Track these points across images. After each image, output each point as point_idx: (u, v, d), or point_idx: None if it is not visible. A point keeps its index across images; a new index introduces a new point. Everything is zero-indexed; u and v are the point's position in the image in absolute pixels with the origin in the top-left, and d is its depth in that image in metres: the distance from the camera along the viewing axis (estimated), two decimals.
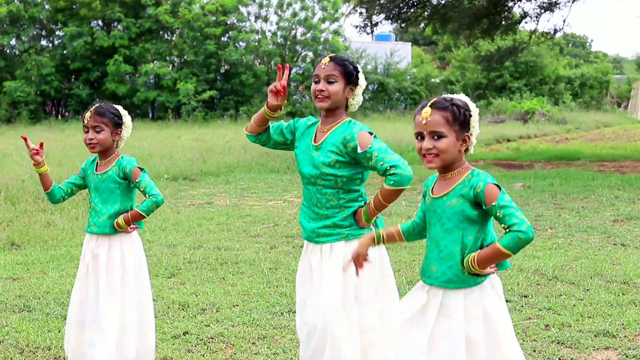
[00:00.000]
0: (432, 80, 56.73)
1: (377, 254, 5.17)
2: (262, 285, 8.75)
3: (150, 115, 48.71)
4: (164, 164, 20.62)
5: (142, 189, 5.77)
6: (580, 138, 34.51)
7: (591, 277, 8.88)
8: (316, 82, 5.20)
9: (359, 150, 5.03)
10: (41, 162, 5.87)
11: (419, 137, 4.19)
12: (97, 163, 5.94)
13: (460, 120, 4.13)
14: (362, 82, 5.27)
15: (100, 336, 5.74)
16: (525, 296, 8.11)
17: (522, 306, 7.76)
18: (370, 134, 5.10)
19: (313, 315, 5.24)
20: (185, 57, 47.95)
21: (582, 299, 8.02)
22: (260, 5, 49.45)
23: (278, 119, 5.46)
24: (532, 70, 56.65)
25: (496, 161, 24.16)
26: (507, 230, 4.01)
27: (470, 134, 4.18)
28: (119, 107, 5.93)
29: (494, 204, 4.04)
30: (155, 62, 47.37)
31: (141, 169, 5.82)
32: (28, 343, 6.89)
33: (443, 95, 4.21)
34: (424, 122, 4.12)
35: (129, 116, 6.00)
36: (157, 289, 8.60)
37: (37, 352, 6.67)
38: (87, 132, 5.79)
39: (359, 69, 5.27)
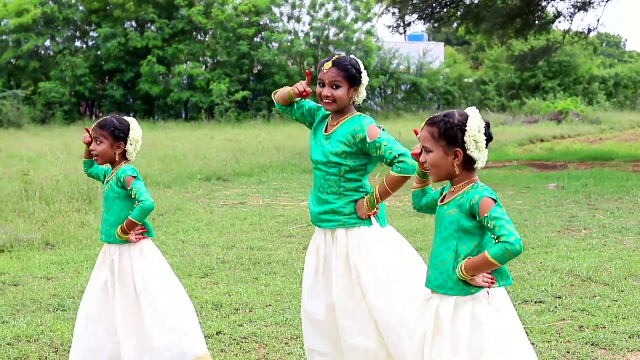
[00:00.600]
0: (465, 80, 56.54)
1: (392, 238, 5.33)
2: (294, 285, 8.75)
3: (183, 116, 48.88)
4: (197, 164, 20.68)
5: (133, 196, 5.77)
6: (614, 138, 34.25)
7: (625, 278, 8.81)
8: (321, 86, 5.32)
9: (368, 140, 5.16)
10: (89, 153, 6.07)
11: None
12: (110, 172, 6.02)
13: (447, 136, 4.22)
14: (365, 79, 5.36)
15: (117, 348, 5.78)
16: (559, 297, 8.07)
17: (556, 307, 7.72)
18: (379, 127, 5.23)
19: (316, 307, 5.41)
20: (218, 57, 48.09)
21: (616, 300, 7.97)
22: (293, 6, 49.50)
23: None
24: (565, 70, 56.33)
25: (530, 161, 24.03)
26: (497, 240, 4.05)
27: (467, 149, 4.21)
28: (131, 121, 5.96)
29: (486, 215, 4.09)
30: (188, 62, 47.54)
31: (134, 177, 5.82)
32: (62, 342, 6.94)
33: (446, 111, 4.32)
34: (418, 137, 4.35)
35: (139, 130, 6.00)
36: (190, 288, 8.63)
37: None
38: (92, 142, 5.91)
39: (361, 67, 5.35)
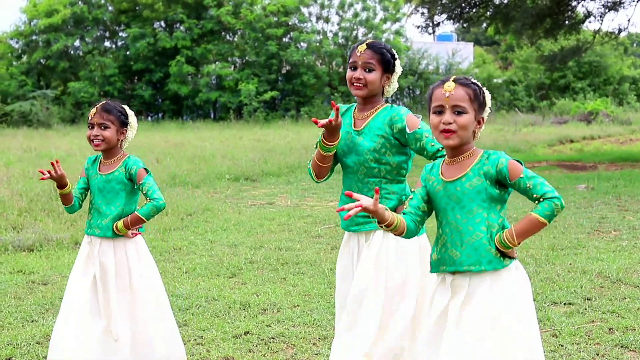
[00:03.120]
0: (495, 80, 56.37)
1: (416, 245, 5.03)
2: (323, 285, 8.74)
3: (212, 116, 49.07)
4: (226, 164, 20.73)
5: (144, 192, 5.61)
6: None
7: None
8: (353, 69, 5.07)
9: (408, 131, 4.91)
10: (65, 182, 5.71)
11: (437, 112, 4.10)
12: (100, 162, 5.78)
13: (480, 101, 4.09)
14: (398, 69, 5.15)
15: (113, 345, 5.66)
16: (589, 299, 8.02)
17: (586, 309, 7.67)
18: (418, 117, 4.99)
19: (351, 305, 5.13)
20: (246, 57, 48.21)
21: None
22: (322, 6, 49.54)
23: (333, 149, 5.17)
24: (595, 70, 56.07)
25: (559, 162, 23.93)
26: (540, 199, 3.95)
27: (484, 118, 4.14)
28: (126, 107, 5.83)
29: (521, 176, 3.98)
30: (217, 62, 47.72)
31: (147, 171, 5.67)
32: None
33: (462, 76, 4.17)
34: (447, 95, 4.05)
35: (135, 117, 5.87)
36: (218, 288, 8.64)
37: None
38: (92, 128, 5.65)
39: (396, 55, 5.15)
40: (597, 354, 6.39)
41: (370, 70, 5.03)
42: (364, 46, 5.06)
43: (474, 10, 28.50)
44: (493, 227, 4.07)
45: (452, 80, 4.11)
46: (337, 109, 4.88)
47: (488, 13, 28.80)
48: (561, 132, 35.12)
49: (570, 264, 9.55)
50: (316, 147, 5.22)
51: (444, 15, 28.83)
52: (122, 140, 5.75)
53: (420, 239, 5.06)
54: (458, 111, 4.04)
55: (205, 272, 9.53)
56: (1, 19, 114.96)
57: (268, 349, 6.69)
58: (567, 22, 28.49)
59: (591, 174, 19.69)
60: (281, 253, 10.55)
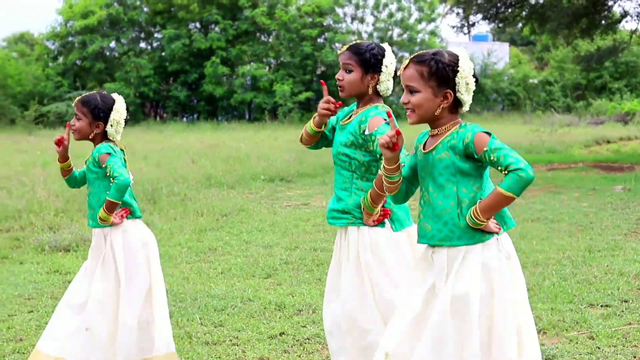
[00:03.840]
0: (530, 80, 56.14)
1: (405, 243, 5.08)
2: None
3: (247, 117, 49.20)
4: (261, 165, 20.75)
5: (108, 174, 5.54)
6: None
7: None
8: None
9: (367, 132, 4.98)
10: (67, 155, 5.85)
11: (402, 90, 4.12)
12: None
13: (439, 76, 4.01)
14: (389, 67, 5.11)
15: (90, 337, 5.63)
16: (626, 301, 7.96)
17: (623, 311, 7.61)
18: (385, 120, 4.96)
19: (334, 308, 5.26)
20: (281, 58, 48.28)
21: None
22: (357, 6, 49.57)
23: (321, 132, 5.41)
24: (632, 70, 55.65)
25: (596, 163, 23.76)
26: (505, 172, 3.88)
27: (458, 91, 4.06)
28: (117, 99, 5.73)
29: (485, 149, 3.92)
30: (252, 63, 47.80)
31: (108, 154, 5.58)
32: None
33: (433, 49, 4.13)
34: (399, 74, 4.09)
35: (123, 112, 5.72)
36: (253, 289, 8.66)
37: None
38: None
39: (383, 54, 5.12)
40: (635, 357, 6.34)
41: (349, 72, 5.13)
42: (344, 48, 5.18)
43: (510, 10, 28.38)
44: (463, 202, 4.02)
45: (410, 59, 4.09)
46: (324, 85, 5.37)
47: (524, 13, 28.66)
48: (598, 132, 34.89)
49: (607, 265, 9.48)
50: (309, 126, 5.43)
51: (480, 16, 28.73)
52: (97, 133, 5.70)
53: (393, 234, 5.11)
54: (411, 91, 4.05)
55: (241, 272, 9.55)
56: (37, 21, 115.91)
57: (303, 349, 6.69)
58: (603, 21, 28.30)
59: (628, 175, 19.53)
60: (316, 254, 10.54)
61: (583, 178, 19.29)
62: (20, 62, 50.12)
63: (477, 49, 54.62)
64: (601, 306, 7.78)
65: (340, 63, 5.16)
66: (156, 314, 5.73)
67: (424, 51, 4.10)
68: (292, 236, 11.96)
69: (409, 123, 4.14)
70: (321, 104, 5.18)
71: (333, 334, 5.31)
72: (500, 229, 4.08)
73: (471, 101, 4.14)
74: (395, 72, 5.17)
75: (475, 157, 3.97)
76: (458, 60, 4.06)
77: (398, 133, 4.05)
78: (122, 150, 5.77)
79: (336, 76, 5.18)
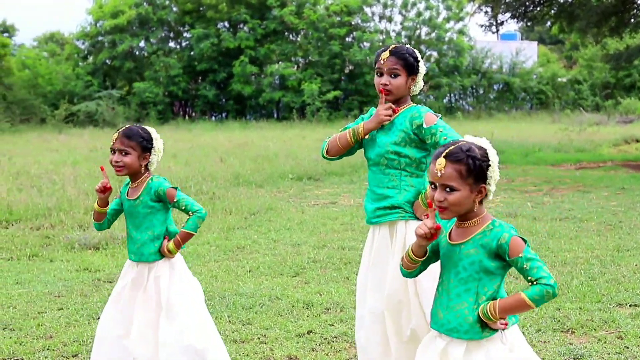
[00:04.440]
0: (559, 79, 55.87)
1: None
2: None
3: (275, 116, 49.23)
4: (289, 164, 20.79)
5: (182, 208, 5.54)
6: None
7: None
8: (379, 75, 5.28)
9: (425, 126, 5.09)
10: (107, 201, 5.76)
11: (432, 186, 4.04)
12: (129, 187, 5.76)
13: (476, 173, 3.96)
14: (423, 68, 5.32)
15: None
16: None
17: None
18: (437, 115, 5.15)
19: (377, 302, 5.27)
20: (309, 57, 48.30)
21: None
22: (385, 5, 49.53)
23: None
24: None
25: (625, 162, 23.64)
26: (534, 282, 3.86)
27: (488, 184, 4.01)
28: (152, 130, 5.69)
29: (520, 255, 3.88)
30: (280, 62, 47.87)
31: (175, 188, 5.59)
32: None
33: (461, 144, 4.01)
34: (438, 174, 3.96)
35: (161, 140, 5.73)
36: (281, 287, 8.68)
37: None
38: (114, 154, 5.62)
39: (418, 56, 5.32)
40: None
41: (395, 76, 5.23)
42: (387, 53, 5.26)
43: (538, 8, 28.26)
44: (481, 298, 4.00)
45: (444, 156, 3.99)
46: (383, 92, 5.27)
47: (552, 11, 28.53)
48: (627, 131, 34.68)
49: (636, 265, 9.44)
50: (353, 135, 5.41)
51: (508, 14, 28.62)
52: (145, 165, 5.65)
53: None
54: (449, 189, 3.97)
55: (269, 271, 9.58)
56: (68, 21, 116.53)
57: (331, 348, 6.70)
58: (632, 20, 28.12)
59: None
60: (344, 252, 10.55)
61: (612, 177, 19.19)
62: (51, 62, 50.44)
63: (505, 48, 54.46)
64: (630, 305, 7.75)
65: (384, 68, 5.23)
66: (209, 343, 5.66)
67: (452, 147, 4.01)
68: (320, 235, 11.97)
69: (442, 218, 4.09)
70: (384, 111, 5.25)
71: (375, 326, 5.34)
72: (506, 326, 4.05)
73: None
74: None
75: (507, 259, 3.95)
76: (487, 153, 4.03)
77: (438, 228, 4.03)
78: None
79: (381, 81, 5.24)
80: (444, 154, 3.97)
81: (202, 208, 5.59)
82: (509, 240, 3.91)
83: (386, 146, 5.25)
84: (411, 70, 5.25)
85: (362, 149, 5.50)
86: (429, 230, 3.99)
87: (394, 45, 5.32)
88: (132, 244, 5.63)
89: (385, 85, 5.22)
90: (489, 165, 4.00)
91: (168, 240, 5.63)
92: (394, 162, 5.23)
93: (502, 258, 3.97)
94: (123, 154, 5.57)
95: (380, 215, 5.31)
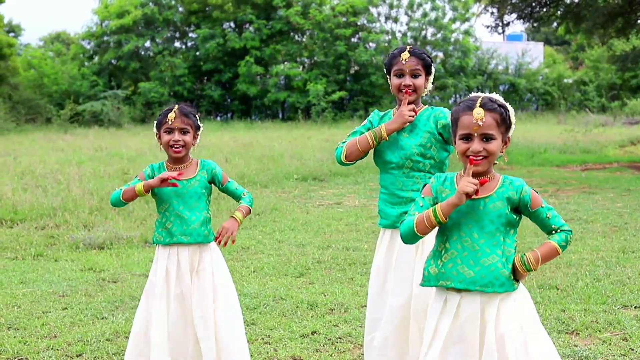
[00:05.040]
0: (565, 80, 55.84)
1: None
2: None
3: (280, 116, 49.27)
4: (294, 164, 20.79)
5: (234, 188, 5.69)
6: None
7: None
8: (399, 77, 5.29)
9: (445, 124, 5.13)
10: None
11: (465, 139, 4.07)
12: (167, 169, 5.61)
13: (507, 123, 4.08)
14: (433, 70, 5.40)
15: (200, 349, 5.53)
16: None
17: None
18: None
19: (400, 302, 5.25)
20: (315, 58, 48.30)
21: None
22: (391, 6, 49.53)
23: None
24: None
25: (630, 163, 23.62)
26: (557, 230, 4.07)
27: (509, 137, 4.14)
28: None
29: (542, 206, 4.07)
30: (285, 63, 47.88)
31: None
32: None
33: (486, 95, 4.09)
34: (479, 123, 3.99)
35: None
36: (286, 288, 8.68)
37: None
38: (170, 133, 5.51)
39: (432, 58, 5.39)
40: None
41: (416, 76, 5.28)
42: (407, 54, 5.28)
43: (544, 9, 28.26)
44: (508, 251, 4.09)
45: (480, 106, 4.05)
46: (408, 93, 5.26)
47: (558, 12, 28.54)
48: (633, 133, 34.68)
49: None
50: (375, 137, 5.34)
51: (514, 15, 28.62)
52: (194, 145, 5.65)
53: None
54: (486, 138, 4.04)
55: (273, 271, 9.58)
56: (73, 21, 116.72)
57: (335, 349, 6.70)
58: (639, 21, 28.11)
59: None
60: (349, 253, 10.56)
61: (617, 178, 19.17)
62: (57, 62, 50.51)
63: (511, 49, 54.43)
64: (635, 307, 7.74)
65: (406, 69, 5.24)
66: (241, 325, 5.75)
67: (482, 98, 4.07)
68: (324, 235, 11.97)
69: (474, 170, 4.06)
70: (407, 112, 5.24)
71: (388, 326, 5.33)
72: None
73: None
74: None
75: (528, 210, 4.09)
76: (505, 104, 4.12)
77: (483, 182, 4.09)
78: None
79: (404, 82, 5.25)
80: (478, 104, 4.04)
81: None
82: (529, 192, 4.07)
83: (411, 148, 5.23)
84: (428, 70, 5.32)
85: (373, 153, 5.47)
86: (475, 185, 3.99)
87: (410, 46, 5.33)
88: (184, 224, 5.49)
89: (409, 86, 5.25)
90: (511, 117, 4.11)
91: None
92: (419, 165, 5.23)
93: (518, 211, 4.10)
94: (183, 132, 5.52)
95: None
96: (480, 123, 4.00)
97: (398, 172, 5.29)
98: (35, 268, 9.98)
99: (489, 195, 4.07)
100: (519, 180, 4.10)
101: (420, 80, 5.26)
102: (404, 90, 5.26)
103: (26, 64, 48.05)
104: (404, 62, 5.25)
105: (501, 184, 4.10)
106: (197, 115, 5.67)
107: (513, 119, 4.12)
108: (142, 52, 50.08)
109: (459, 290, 4.11)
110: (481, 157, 4.04)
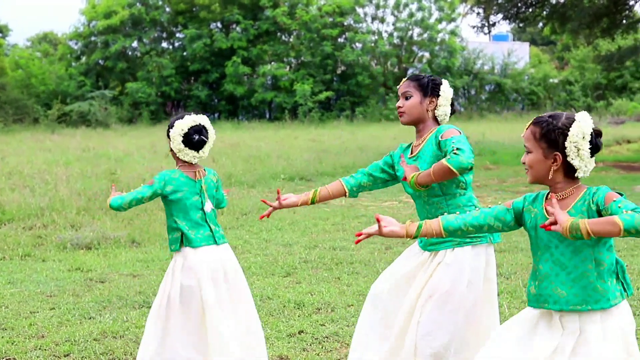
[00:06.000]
0: (551, 80, 56.00)
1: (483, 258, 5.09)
2: None
3: (267, 116, 49.30)
4: (281, 164, 20.81)
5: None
6: None
7: None
8: (397, 101, 5.29)
9: (441, 139, 4.96)
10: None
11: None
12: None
13: (548, 138, 3.96)
14: (447, 92, 5.22)
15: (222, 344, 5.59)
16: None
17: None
18: (459, 131, 5.02)
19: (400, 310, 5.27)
20: (302, 58, 48.38)
21: None
22: (377, 6, 49.61)
23: None
24: None
25: (616, 163, 23.70)
26: (631, 211, 3.72)
27: (567, 155, 3.94)
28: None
29: (615, 199, 3.79)
30: (272, 63, 47.92)
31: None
32: None
33: (555, 112, 4.03)
34: (522, 134, 4.06)
35: (213, 130, 6.04)
36: (273, 287, 8.70)
37: None
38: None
39: (441, 81, 5.26)
40: None
41: (408, 98, 5.21)
42: (404, 80, 5.29)
43: (530, 9, 28.35)
44: (602, 264, 3.96)
45: (532, 121, 4.06)
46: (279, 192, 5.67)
47: (544, 13, 28.63)
48: (618, 132, 34.76)
49: (627, 265, 9.47)
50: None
51: (500, 15, 28.72)
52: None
53: (489, 250, 5.13)
54: (527, 150, 4.04)
55: (260, 271, 9.60)
56: (61, 21, 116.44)
57: (322, 348, 6.72)
58: (624, 21, 28.24)
59: None
60: (335, 253, 10.58)
61: (603, 178, 19.24)
62: (44, 62, 50.52)
63: (497, 49, 54.54)
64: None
65: (399, 92, 5.25)
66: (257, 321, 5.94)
67: (544, 114, 4.06)
68: (311, 235, 12.00)
69: (528, 181, 4.08)
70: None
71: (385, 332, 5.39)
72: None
73: (588, 167, 4.00)
74: (452, 101, 5.29)
75: (606, 212, 3.83)
76: (572, 123, 3.96)
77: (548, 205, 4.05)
78: None
79: (396, 105, 5.27)
80: (534, 119, 4.05)
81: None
82: (604, 192, 3.86)
83: None
84: (425, 90, 5.18)
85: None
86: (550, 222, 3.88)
87: (416, 74, 5.36)
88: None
89: (399, 107, 5.23)
90: (566, 135, 3.94)
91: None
92: (435, 190, 5.08)
93: (601, 214, 3.88)
94: (406, 97, 5.36)
95: (435, 242, 5.11)
96: (522, 134, 4.06)
97: (420, 201, 5.22)
98: (22, 268, 9.97)
99: (567, 211, 3.94)
100: (599, 187, 3.93)
101: (412, 101, 5.17)
102: (398, 113, 5.28)
103: (14, 64, 48.01)
104: (399, 87, 5.28)
105: (581, 197, 3.96)
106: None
107: (570, 141, 3.94)
108: (130, 53, 50.06)
109: (558, 311, 4.04)
110: (525, 169, 4.07)
